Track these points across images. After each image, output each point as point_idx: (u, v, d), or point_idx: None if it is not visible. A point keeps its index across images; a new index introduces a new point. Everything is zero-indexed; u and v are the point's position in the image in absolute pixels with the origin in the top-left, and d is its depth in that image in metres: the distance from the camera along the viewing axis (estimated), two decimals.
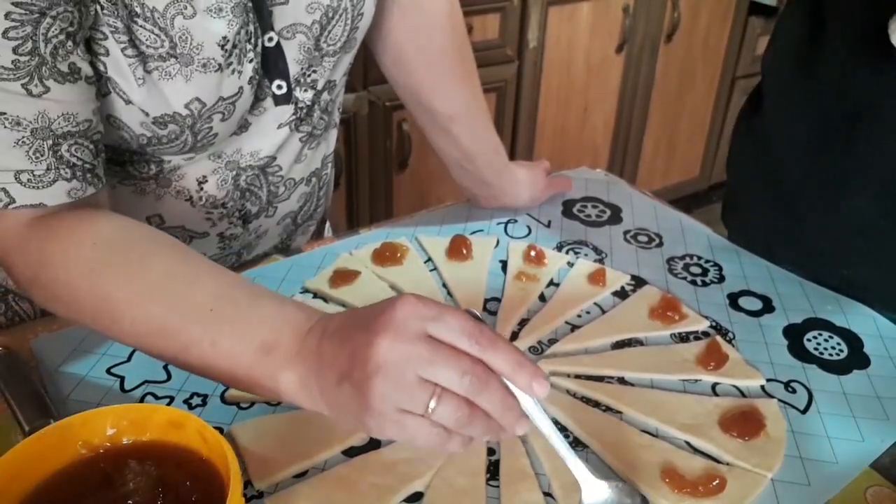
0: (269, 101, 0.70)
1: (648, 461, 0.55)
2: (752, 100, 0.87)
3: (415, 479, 0.54)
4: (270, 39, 0.66)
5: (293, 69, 0.70)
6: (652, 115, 2.38)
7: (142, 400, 0.60)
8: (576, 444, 0.58)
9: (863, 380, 0.65)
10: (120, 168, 0.68)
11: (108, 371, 0.63)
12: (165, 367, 0.63)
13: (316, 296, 0.74)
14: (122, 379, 0.62)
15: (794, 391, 0.63)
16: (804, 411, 0.61)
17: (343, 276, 0.75)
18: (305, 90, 0.72)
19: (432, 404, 0.44)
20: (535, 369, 0.46)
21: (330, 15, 0.69)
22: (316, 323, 0.51)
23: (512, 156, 2.18)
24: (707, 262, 0.81)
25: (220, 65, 0.62)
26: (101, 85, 0.59)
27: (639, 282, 0.77)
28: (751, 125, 0.86)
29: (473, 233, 0.85)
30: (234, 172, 0.73)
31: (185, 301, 0.52)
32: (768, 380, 0.64)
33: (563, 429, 0.59)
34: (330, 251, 0.81)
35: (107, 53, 0.58)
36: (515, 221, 0.88)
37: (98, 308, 0.54)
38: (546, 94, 2.09)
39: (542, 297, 0.75)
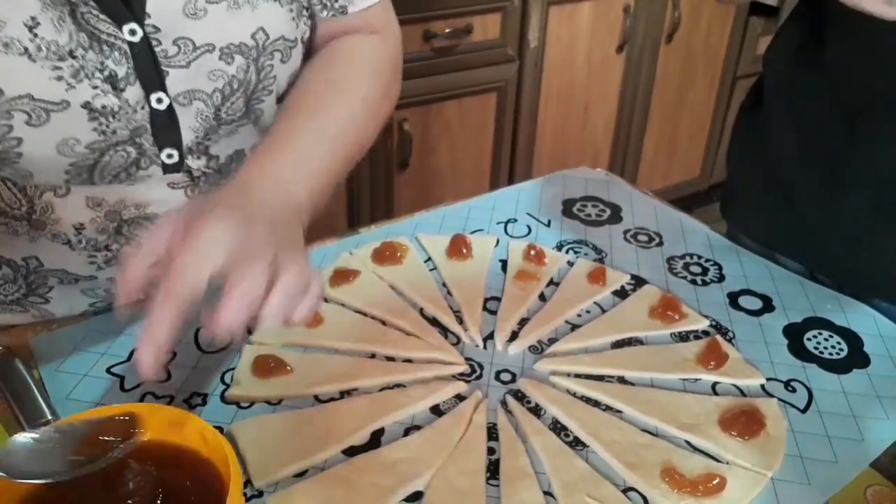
0: (154, 169, 0.64)
1: (648, 460, 0.55)
2: (753, 94, 0.87)
3: (415, 479, 0.54)
4: (160, 101, 0.60)
5: (187, 137, 0.64)
6: (652, 114, 2.38)
7: (142, 399, 0.60)
8: (576, 443, 0.58)
9: (863, 379, 0.65)
10: None
11: (108, 370, 0.63)
12: (166, 367, 0.63)
13: None
14: (121, 378, 0.62)
15: (794, 390, 0.63)
16: (804, 410, 0.61)
17: (343, 276, 0.75)
18: (199, 157, 0.67)
19: None
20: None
21: (235, 86, 0.64)
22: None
23: (512, 156, 2.19)
24: (707, 261, 0.81)
25: (26, 49, 0.54)
26: None
27: (639, 281, 0.77)
28: (751, 120, 0.86)
29: (473, 232, 0.85)
30: (116, 224, 0.67)
31: None
32: (768, 379, 0.64)
33: (563, 428, 0.59)
34: (330, 251, 0.81)
35: None
36: (515, 221, 0.88)
37: None
38: (546, 93, 2.08)
39: (542, 297, 0.75)
